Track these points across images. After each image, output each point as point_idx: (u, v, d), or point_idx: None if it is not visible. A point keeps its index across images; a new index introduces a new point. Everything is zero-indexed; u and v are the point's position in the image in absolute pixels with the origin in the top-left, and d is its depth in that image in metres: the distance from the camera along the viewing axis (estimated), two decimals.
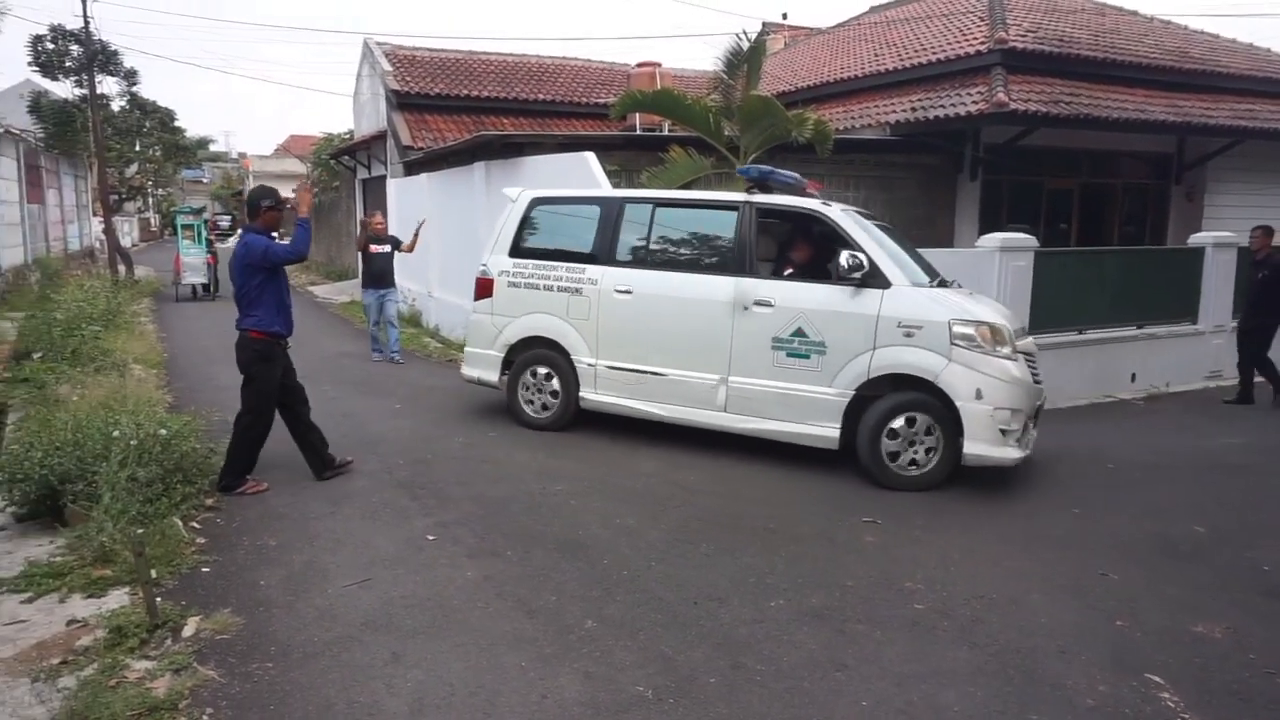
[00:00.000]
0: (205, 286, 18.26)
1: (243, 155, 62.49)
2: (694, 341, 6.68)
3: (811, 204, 6.61)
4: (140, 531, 4.23)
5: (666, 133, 12.79)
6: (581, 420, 7.32)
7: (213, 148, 61.15)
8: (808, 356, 6.27)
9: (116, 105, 24.57)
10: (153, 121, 29.23)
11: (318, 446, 5.94)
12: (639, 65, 17.98)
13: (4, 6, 15.04)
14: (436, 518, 5.20)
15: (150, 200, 46.85)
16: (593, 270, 7.08)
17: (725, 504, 5.61)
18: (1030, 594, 4.37)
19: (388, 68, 17.77)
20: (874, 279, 6.08)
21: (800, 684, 3.45)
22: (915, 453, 6.01)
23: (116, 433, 5.06)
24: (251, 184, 53.98)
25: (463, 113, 17.47)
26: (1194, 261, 10.38)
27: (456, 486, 5.77)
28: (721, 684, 3.43)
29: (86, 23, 18.45)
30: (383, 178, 18.27)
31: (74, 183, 23.44)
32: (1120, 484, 6.44)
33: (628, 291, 6.90)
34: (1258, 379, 9.29)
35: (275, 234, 5.88)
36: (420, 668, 3.50)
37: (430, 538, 4.89)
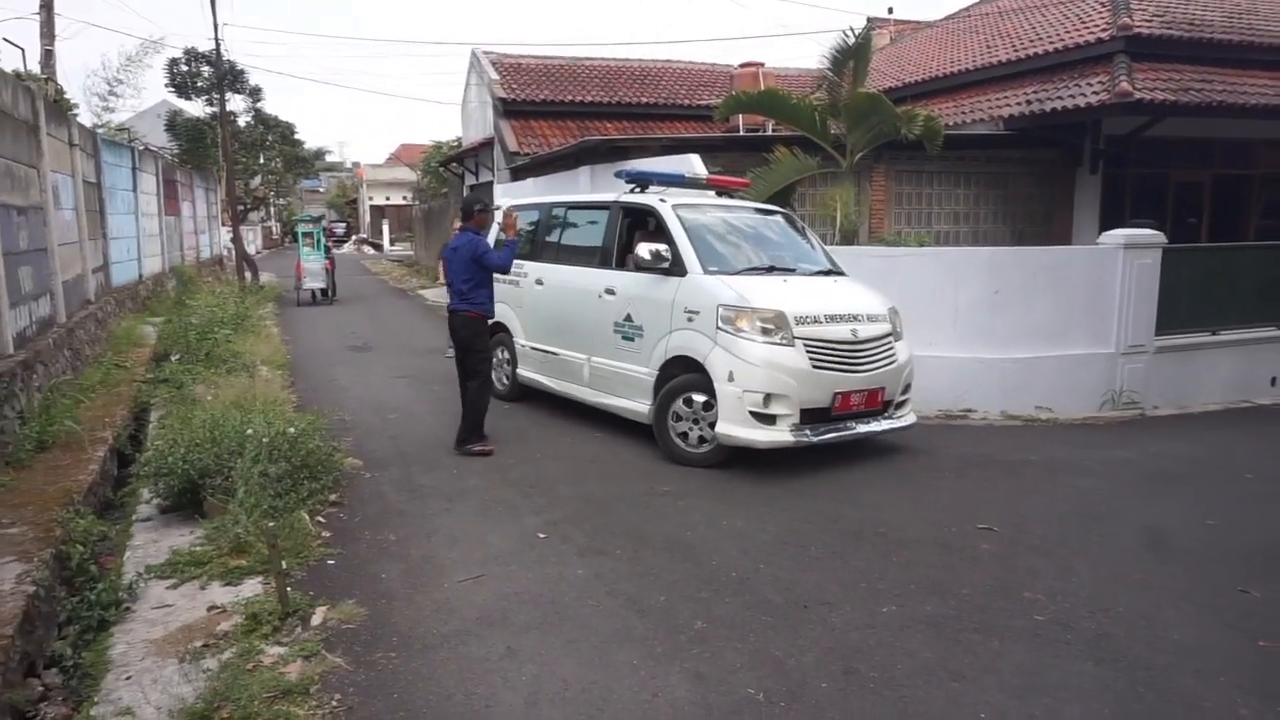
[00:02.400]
0: (324, 291, 19.09)
1: (356, 164, 65.11)
2: (575, 326, 7.60)
3: (649, 200, 7.14)
4: (272, 524, 4.47)
5: (770, 133, 12.70)
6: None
7: (328, 158, 63.83)
8: (633, 339, 6.92)
9: (242, 121, 26.00)
10: (274, 135, 30.79)
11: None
12: (742, 66, 17.89)
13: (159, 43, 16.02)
14: (547, 516, 5.31)
15: (272, 209, 49.31)
16: (527, 265, 8.16)
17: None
18: (1163, 609, 4.15)
19: (494, 76, 18.22)
20: (676, 268, 6.53)
21: (915, 692, 3.37)
22: (702, 430, 6.33)
23: (250, 431, 5.37)
24: (365, 192, 56.24)
25: (567, 118, 17.75)
26: None
27: (563, 486, 5.87)
28: (833, 689, 3.39)
29: (218, 45, 19.60)
30: (490, 183, 18.74)
31: (205, 195, 24.92)
32: (1261, 495, 6.04)
33: (541, 283, 8.01)
34: None
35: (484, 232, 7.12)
36: (534, 662, 3.58)
37: (541, 535, 4.99)
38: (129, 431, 7.22)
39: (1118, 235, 8.56)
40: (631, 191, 7.53)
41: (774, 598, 4.19)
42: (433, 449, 6.86)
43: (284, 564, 4.17)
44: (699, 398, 6.31)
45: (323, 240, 19.70)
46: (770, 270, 6.77)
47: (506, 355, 8.61)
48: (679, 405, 6.45)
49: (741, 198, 8.17)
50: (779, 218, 7.70)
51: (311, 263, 18.94)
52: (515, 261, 7.75)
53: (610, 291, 7.15)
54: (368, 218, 56.47)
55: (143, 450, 6.20)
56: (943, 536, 5.04)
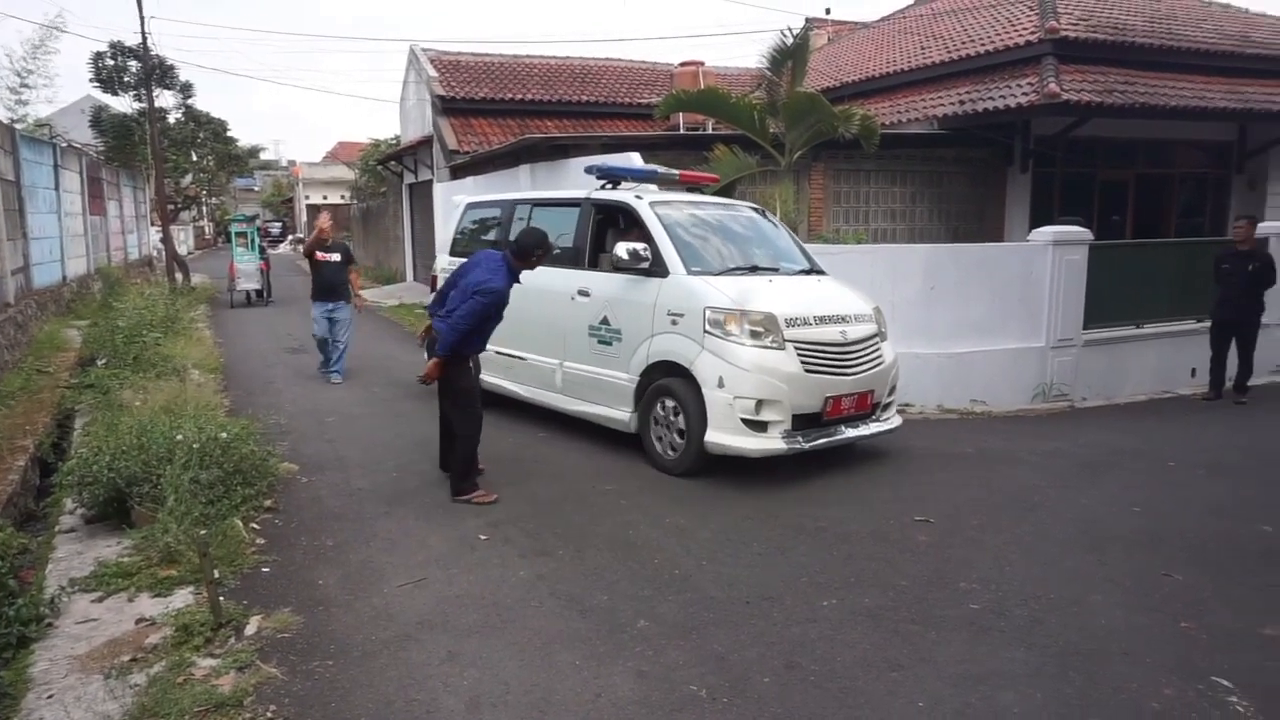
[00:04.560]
0: (259, 292, 18.64)
1: (292, 163, 63.73)
2: (545, 329, 7.18)
3: (625, 198, 6.78)
4: (203, 533, 4.34)
5: (711, 132, 12.78)
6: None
7: (263, 156, 62.34)
8: (610, 344, 6.58)
9: (172, 118, 25.18)
10: (206, 132, 29.92)
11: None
12: (682, 64, 18.00)
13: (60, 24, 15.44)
14: (488, 518, 5.26)
15: (204, 209, 48.00)
16: None
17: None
18: (1091, 595, 4.28)
19: (433, 73, 18.00)
20: (657, 268, 6.22)
21: (854, 684, 3.42)
22: (673, 437, 6.13)
23: (179, 436, 5.21)
24: (302, 190, 55.08)
25: (507, 116, 17.61)
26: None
27: (507, 488, 5.82)
28: (775, 683, 3.42)
29: (145, 39, 18.97)
30: (429, 182, 18.51)
31: (133, 194, 24.11)
32: (1183, 482, 6.26)
33: None
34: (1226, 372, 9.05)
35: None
36: (476, 666, 3.54)
37: (483, 537, 4.94)
38: (52, 439, 6.97)
39: (1047, 232, 8.81)
40: (603, 188, 7.17)
41: (716, 594, 4.21)
42: (371, 451, 6.75)
43: (216, 573, 4.05)
44: (670, 403, 6.09)
45: (257, 240, 19.25)
46: (754, 270, 6.51)
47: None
48: (658, 411, 6.23)
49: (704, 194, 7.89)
50: (754, 214, 7.43)
51: (245, 263, 18.49)
52: None
53: (584, 293, 6.79)
54: (304, 217, 55.27)
55: (66, 459, 5.97)
56: (881, 529, 5.13)
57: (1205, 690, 3.42)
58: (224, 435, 5.40)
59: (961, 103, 11.99)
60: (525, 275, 6.78)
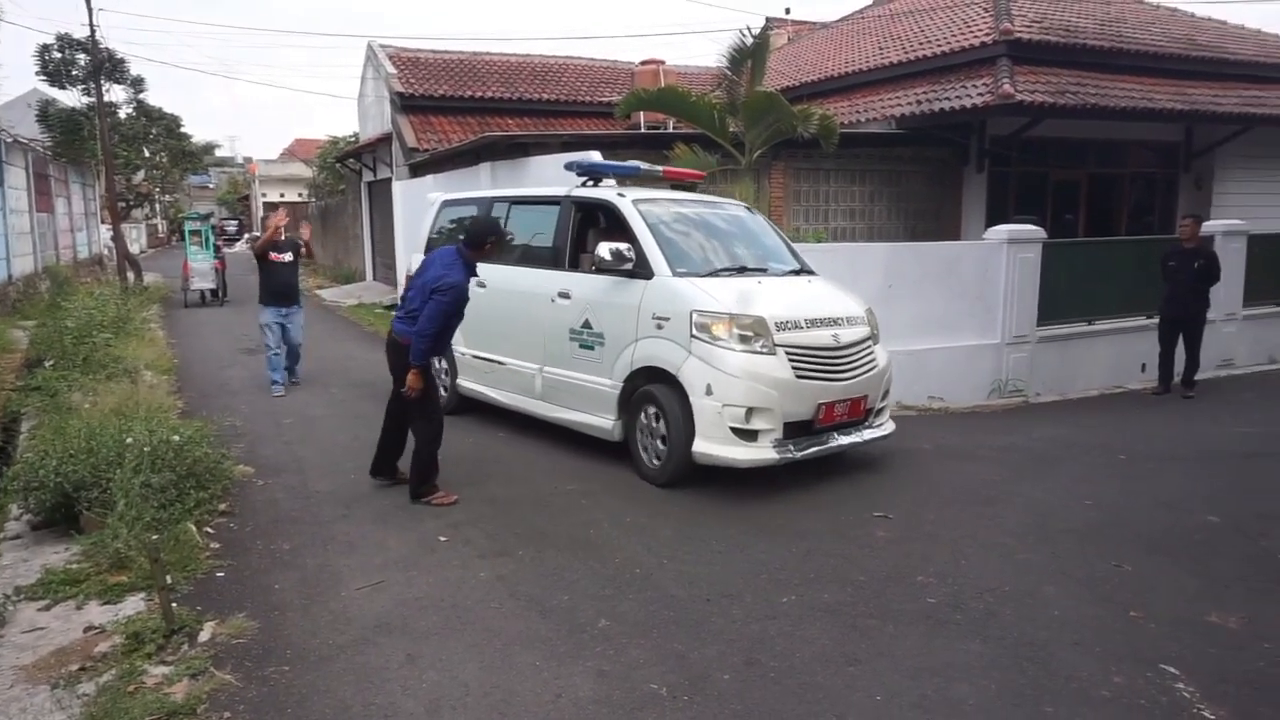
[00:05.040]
0: (214, 292, 18.32)
1: (248, 160, 62.73)
2: (523, 332, 6.93)
3: (607, 195, 6.54)
4: (155, 538, 4.25)
5: (671, 130, 12.79)
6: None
7: (219, 153, 61.34)
8: (592, 348, 6.31)
9: (123, 113, 24.63)
10: (159, 128, 29.32)
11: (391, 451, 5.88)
12: (643, 63, 17.99)
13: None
14: (448, 519, 5.22)
15: (157, 207, 47.04)
16: None
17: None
18: (1044, 586, 4.36)
19: (391, 70, 17.80)
20: (641, 269, 5.97)
21: (813, 679, 3.45)
22: (657, 446, 5.88)
23: (130, 439, 5.09)
24: (258, 188, 54.23)
25: (467, 114, 17.49)
26: None
27: (467, 488, 5.78)
28: (735, 680, 3.44)
29: (93, 31, 18.53)
30: (388, 180, 18.31)
31: (82, 191, 23.56)
32: (1133, 475, 6.41)
33: (484, 285, 6.89)
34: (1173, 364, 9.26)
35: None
36: (435, 669, 3.52)
37: (442, 539, 4.91)
38: None
39: (1002, 231, 8.96)
40: (584, 185, 6.92)
41: (677, 592, 4.22)
42: (330, 454, 6.67)
43: (168, 578, 3.98)
44: (655, 410, 5.84)
45: (212, 239, 18.91)
46: (742, 271, 6.27)
47: (444, 365, 7.79)
48: (642, 420, 5.98)
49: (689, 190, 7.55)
50: (741, 211, 7.15)
51: (200, 262, 18.15)
52: None
53: (564, 295, 6.51)
54: (261, 215, 54.45)
55: (12, 463, 5.81)
56: (840, 526, 5.18)
57: (1154, 678, 3.50)
58: (176, 438, 5.30)
59: (919, 103, 12.13)
60: (504, 277, 6.89)
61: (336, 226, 26.91)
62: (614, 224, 6.43)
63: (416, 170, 15.98)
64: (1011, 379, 8.88)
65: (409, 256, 8.19)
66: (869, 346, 6.17)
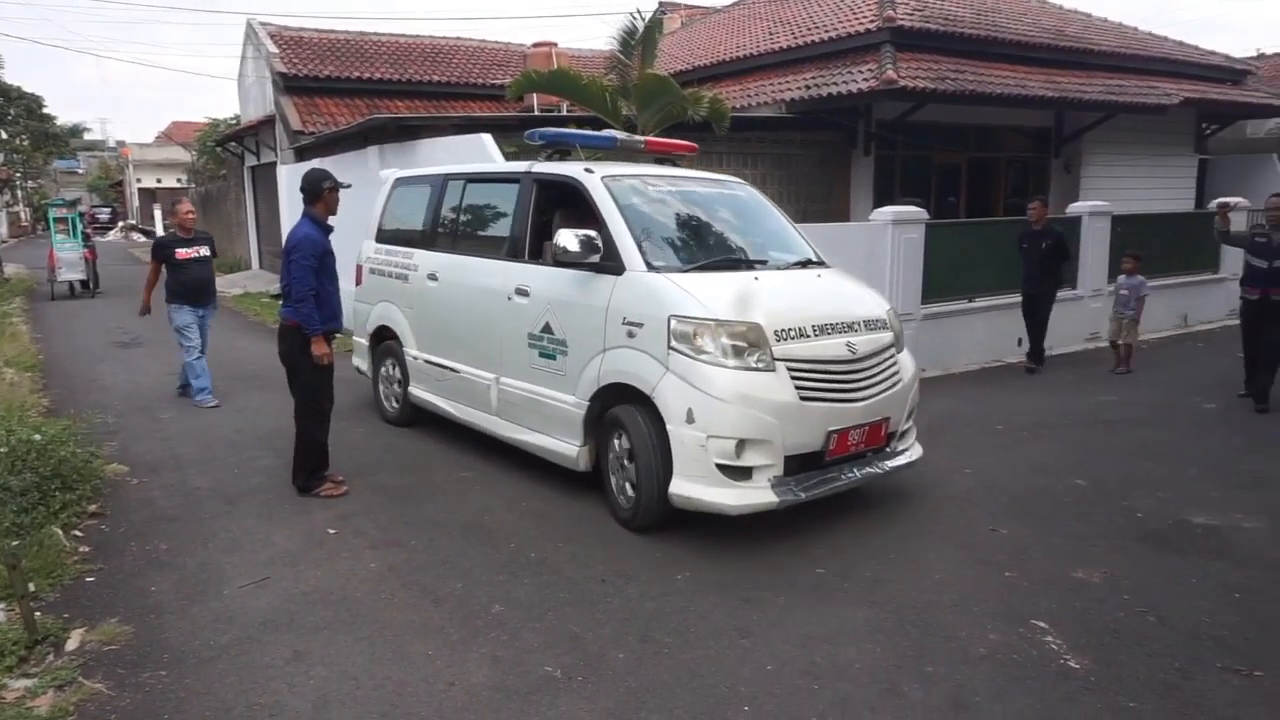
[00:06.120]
0: (84, 283, 17.26)
1: (121, 144, 59.28)
2: (478, 335, 5.94)
3: (571, 171, 5.46)
4: (15, 544, 4.00)
5: (565, 113, 12.70)
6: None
7: (88, 136, 57.61)
8: (554, 357, 5.25)
9: None
10: (18, 109, 27.42)
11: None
12: (535, 45, 17.79)
13: None
14: (337, 510, 5.08)
15: (20, 193, 43.98)
16: (418, 255, 6.60)
17: None
18: (927, 552, 4.55)
19: (273, 49, 17.07)
20: (610, 263, 4.92)
21: (707, 652, 3.51)
22: (628, 480, 4.81)
23: None
24: (132, 173, 51.34)
25: (355, 95, 16.94)
26: (1072, 229, 10.89)
27: (356, 478, 5.63)
28: (630, 658, 3.46)
29: None
30: (273, 164, 17.60)
31: None
32: (1009, 444, 6.74)
33: (435, 278, 6.29)
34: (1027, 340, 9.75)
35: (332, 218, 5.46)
36: (324, 664, 3.42)
37: (331, 531, 4.77)
38: None
39: (887, 212, 9.24)
40: (549, 158, 5.97)
41: (572, 574, 4.22)
42: (210, 448, 6.38)
43: (30, 585, 3.75)
44: (624, 436, 4.80)
45: (80, 226, 17.79)
46: (736, 264, 5.22)
47: (396, 369, 6.92)
48: (614, 446, 4.94)
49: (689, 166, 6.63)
50: (737, 190, 6.07)
51: (67, 252, 17.05)
52: (404, 250, 6.68)
53: (523, 292, 5.47)
54: (136, 202, 51.58)
55: None
56: None
57: (1026, 633, 3.70)
58: (38, 437, 4.99)
59: (808, 87, 12.38)
60: (456, 269, 6.11)
61: (219, 213, 25.72)
62: (581, 206, 5.35)
63: (302, 154, 15.39)
64: None
65: (360, 244, 7.34)
66: (891, 356, 5.09)
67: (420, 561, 4.38)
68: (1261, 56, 23.89)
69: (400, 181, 7.28)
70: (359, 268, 7.37)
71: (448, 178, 6.64)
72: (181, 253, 7.83)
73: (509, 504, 5.20)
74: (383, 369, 7.13)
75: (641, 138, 6.22)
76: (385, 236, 7.18)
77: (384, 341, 7.05)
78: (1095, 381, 9.00)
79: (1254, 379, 7.76)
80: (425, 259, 6.51)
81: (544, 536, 4.69)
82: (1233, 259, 9.79)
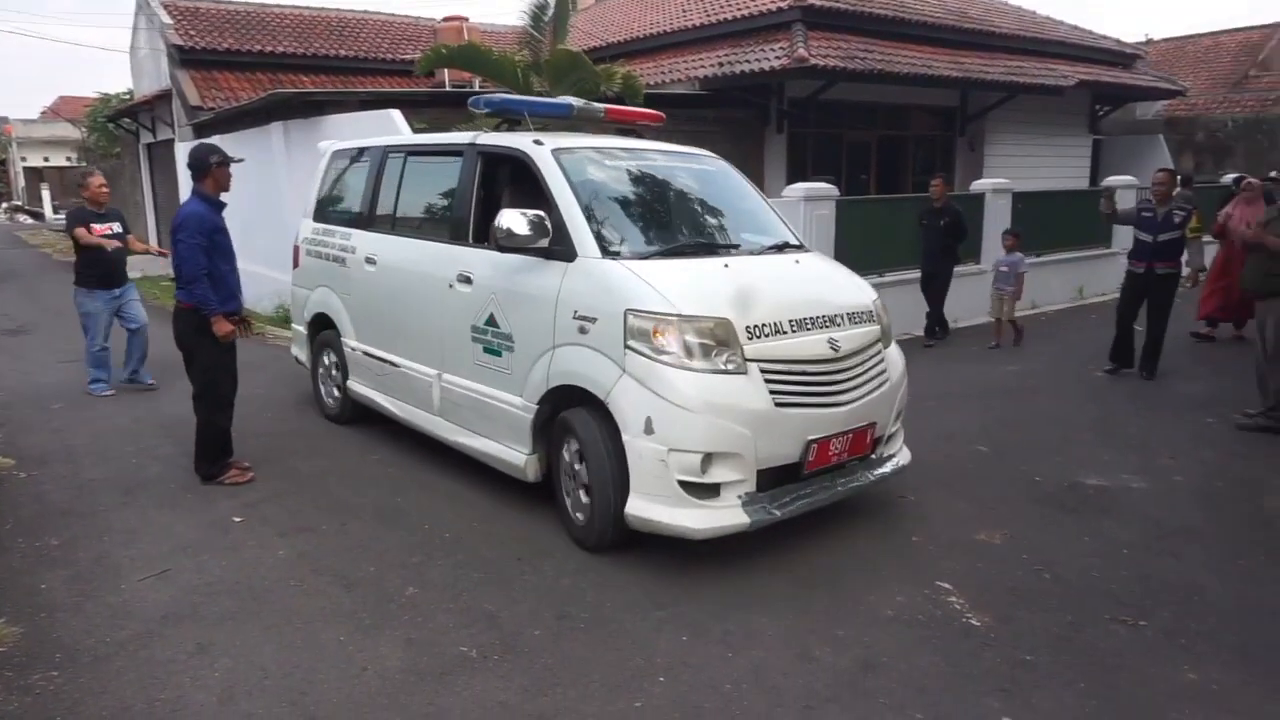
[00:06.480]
0: None
1: (4, 120, 55.81)
2: (417, 325, 5.41)
3: (518, 143, 4.88)
4: None
5: (478, 89, 12.47)
6: None
7: None
8: (499, 353, 4.71)
9: None
10: None
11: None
12: (445, 20, 17.41)
13: None
14: (243, 498, 4.92)
15: None
16: (356, 236, 6.04)
17: None
18: (839, 521, 4.65)
19: (167, 20, 16.27)
20: (561, 247, 4.36)
21: (622, 626, 3.53)
22: (580, 493, 4.30)
23: None
24: (16, 151, 48.44)
25: (257, 70, 16.30)
26: (975, 206, 11.24)
27: (265, 465, 5.46)
28: (546, 635, 3.46)
29: None
30: (170, 142, 16.83)
31: None
32: (915, 414, 6.90)
33: (373, 261, 5.77)
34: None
35: (225, 195, 5.19)
36: (229, 655, 3.32)
37: (237, 519, 4.62)
38: None
39: (799, 189, 9.37)
40: (498, 128, 5.48)
41: (488, 554, 4.19)
42: (105, 439, 6.10)
43: None
44: (575, 444, 4.28)
45: None
46: (704, 249, 4.67)
47: (334, 360, 6.37)
48: (565, 455, 4.40)
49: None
50: (709, 164, 5.53)
51: None
52: (342, 230, 6.15)
53: (465, 280, 4.89)
54: (22, 182, 48.71)
55: None
56: None
57: (931, 594, 3.83)
58: None
59: (720, 65, 12.43)
60: (395, 252, 5.57)
61: (114, 193, 24.43)
62: (532, 183, 4.72)
63: (201, 131, 14.73)
64: None
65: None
66: (878, 352, 4.62)
67: (331, 546, 4.28)
68: (1150, 41, 25.06)
69: (338, 154, 6.70)
70: (296, 249, 6.83)
71: (387, 150, 6.08)
72: (98, 228, 7.24)
73: (423, 486, 5.12)
74: (322, 361, 6.59)
75: (601, 105, 5.63)
76: (323, 215, 6.60)
77: (323, 331, 6.52)
78: (998, 353, 9.33)
79: (1121, 354, 8.05)
80: (363, 240, 5.95)
81: (459, 517, 4.64)
82: (1125, 234, 10.24)
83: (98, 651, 3.36)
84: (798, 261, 4.84)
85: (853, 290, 4.77)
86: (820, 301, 4.41)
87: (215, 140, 12.74)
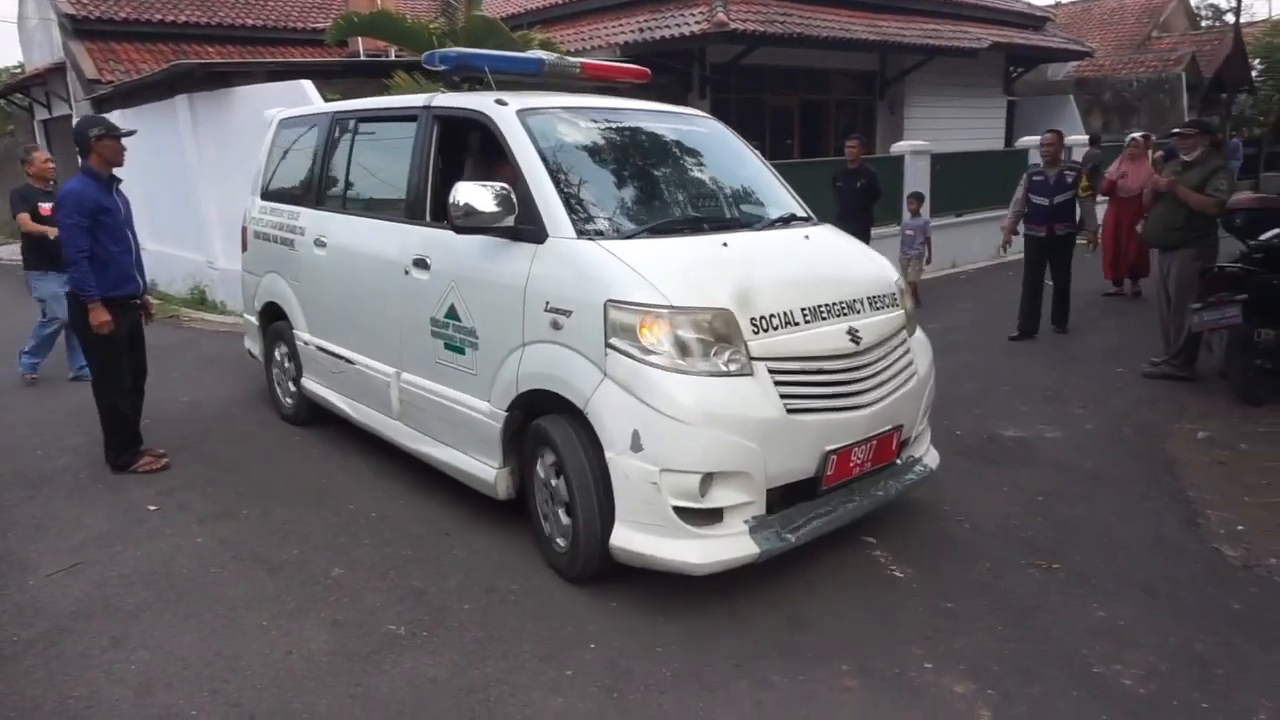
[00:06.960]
0: None
1: None
2: (373, 318, 4.77)
3: (479, 104, 4.19)
4: None
5: (393, 58, 12.14)
6: None
7: None
8: (462, 350, 4.05)
9: None
10: None
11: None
12: None
13: None
14: (158, 486, 4.75)
15: None
16: (304, 215, 5.40)
17: None
18: None
19: None
20: (530, 226, 3.70)
21: (552, 598, 3.52)
22: (558, 517, 3.68)
23: None
24: None
25: (158, 40, 15.57)
26: (895, 168, 11.41)
27: (181, 451, 5.27)
28: (475, 609, 3.43)
29: None
30: (68, 117, 16.00)
31: None
32: None
33: (323, 244, 5.13)
34: None
35: (116, 170, 4.91)
36: (146, 647, 3.21)
37: (152, 508, 4.46)
38: None
39: None
40: (458, 87, 4.80)
41: (416, 531, 4.14)
42: (9, 431, 5.82)
43: None
44: (551, 457, 3.65)
45: None
46: (698, 226, 3.98)
47: (287, 354, 5.74)
48: (539, 470, 3.77)
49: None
50: (700, 125, 4.83)
51: None
52: (290, 209, 5.56)
53: (421, 265, 4.22)
54: None
55: None
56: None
57: (857, 549, 3.92)
58: None
59: (641, 30, 12.32)
60: (346, 233, 4.95)
61: (7, 173, 23.22)
62: (497, 152, 4.06)
63: (101, 105, 14.01)
64: None
65: (251, 201, 6.10)
66: (903, 341, 3.99)
67: (252, 531, 4.17)
68: (1059, 4, 25.71)
69: (285, 123, 6.03)
70: (244, 230, 6.18)
71: (335, 116, 5.39)
72: (46, 208, 6.66)
73: (348, 466, 5.01)
74: (275, 355, 5.96)
75: (576, 60, 4.92)
76: (271, 193, 5.95)
77: (274, 322, 5.87)
78: (925, 314, 9.51)
79: (1029, 318, 8.05)
80: (312, 220, 5.30)
81: (386, 495, 4.56)
82: None
83: (3, 651, 3.23)
84: (807, 237, 4.15)
85: (872, 269, 4.11)
86: (836, 284, 3.77)
87: (116, 115, 12.16)
